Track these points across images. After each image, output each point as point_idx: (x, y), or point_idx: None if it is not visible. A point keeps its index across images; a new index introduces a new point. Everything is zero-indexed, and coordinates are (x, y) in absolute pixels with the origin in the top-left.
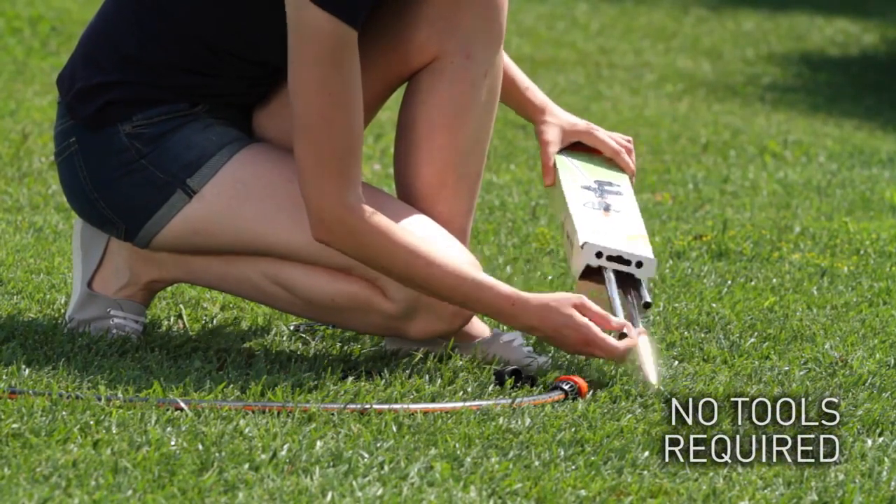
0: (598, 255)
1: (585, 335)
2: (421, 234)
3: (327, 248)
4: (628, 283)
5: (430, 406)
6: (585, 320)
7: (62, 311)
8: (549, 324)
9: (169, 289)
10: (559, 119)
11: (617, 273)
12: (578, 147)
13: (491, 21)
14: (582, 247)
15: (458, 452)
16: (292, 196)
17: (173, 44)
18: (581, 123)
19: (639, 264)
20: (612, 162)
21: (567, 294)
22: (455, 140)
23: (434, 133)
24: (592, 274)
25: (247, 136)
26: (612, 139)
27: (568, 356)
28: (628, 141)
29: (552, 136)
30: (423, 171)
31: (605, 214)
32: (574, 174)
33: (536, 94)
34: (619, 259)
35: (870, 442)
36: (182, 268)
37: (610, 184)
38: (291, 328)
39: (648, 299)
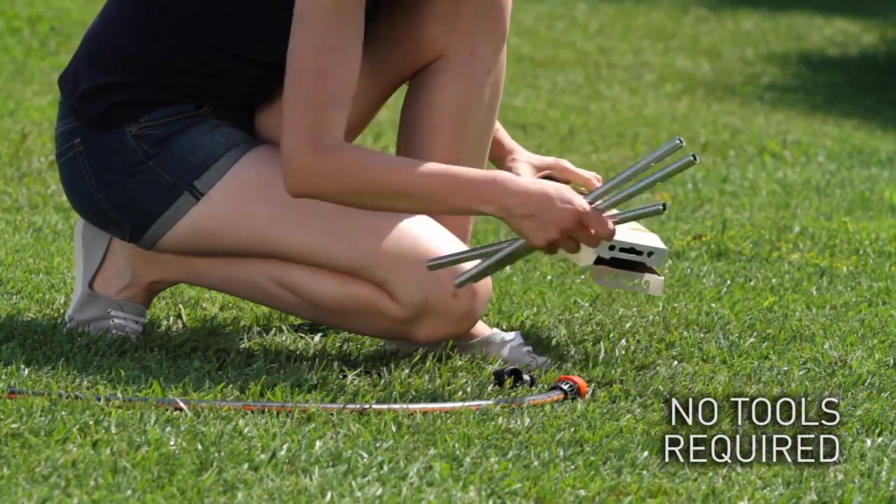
0: (611, 247)
1: (579, 211)
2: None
3: (334, 252)
4: (639, 269)
5: (430, 406)
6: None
7: (61, 311)
8: (539, 195)
9: (168, 289)
10: (528, 157)
11: (626, 262)
12: None
13: (495, 19)
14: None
15: (458, 452)
16: (300, 198)
17: (177, 45)
18: (550, 159)
19: (650, 254)
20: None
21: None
22: (458, 138)
23: (437, 131)
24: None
25: (253, 139)
26: (582, 171)
27: (568, 357)
28: (597, 177)
29: (523, 171)
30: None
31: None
32: None
33: (506, 136)
34: (630, 250)
35: (869, 442)
36: (185, 269)
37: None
38: (292, 328)
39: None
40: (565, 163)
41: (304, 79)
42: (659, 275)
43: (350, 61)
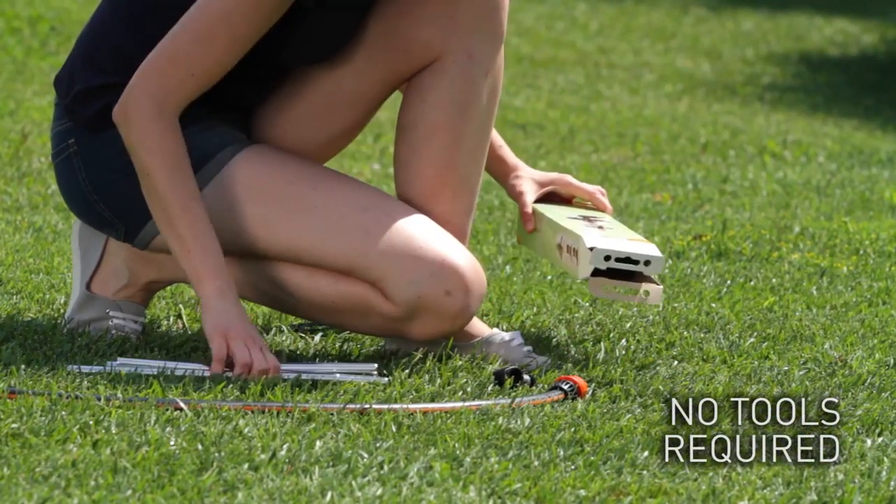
0: (607, 258)
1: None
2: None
3: (328, 252)
4: (636, 279)
5: (430, 406)
6: None
7: (61, 311)
8: (215, 335)
9: (168, 288)
10: (531, 173)
11: (623, 272)
12: (553, 200)
13: (492, 21)
14: (591, 250)
15: (458, 452)
16: (294, 197)
17: None
18: (553, 175)
19: (647, 262)
20: (589, 207)
21: None
22: (456, 140)
23: (435, 133)
24: (598, 275)
25: (247, 138)
26: (585, 184)
27: (568, 357)
28: (601, 191)
29: (526, 187)
30: (424, 171)
31: (601, 230)
32: (557, 213)
33: (509, 153)
34: (627, 260)
35: (869, 442)
36: (181, 269)
37: (595, 216)
38: (292, 327)
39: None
40: (569, 178)
41: (191, 35)
42: (658, 283)
43: (237, 48)
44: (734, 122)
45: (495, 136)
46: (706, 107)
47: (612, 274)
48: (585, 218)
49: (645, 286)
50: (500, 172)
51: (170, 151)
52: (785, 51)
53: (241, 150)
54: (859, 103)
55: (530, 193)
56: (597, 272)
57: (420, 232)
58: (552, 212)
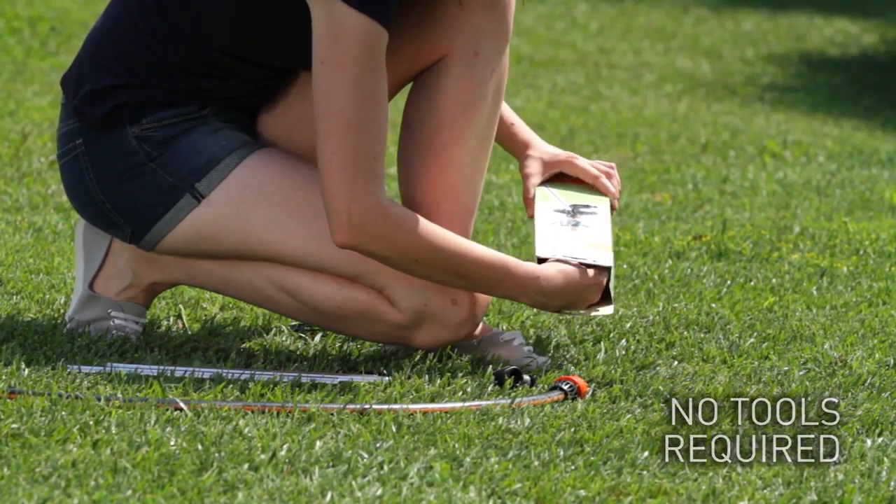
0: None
1: (601, 286)
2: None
3: (335, 257)
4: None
5: (430, 406)
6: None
7: (62, 311)
8: (573, 289)
9: (169, 289)
10: (541, 151)
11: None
12: (563, 178)
13: (499, 20)
14: (538, 262)
15: (458, 452)
16: (302, 202)
17: (183, 46)
18: (562, 154)
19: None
20: (595, 188)
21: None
22: (461, 138)
23: (440, 131)
24: None
25: (255, 141)
26: (592, 166)
27: (568, 357)
28: (609, 167)
29: (533, 169)
30: (428, 170)
31: (572, 230)
32: (552, 202)
33: (522, 129)
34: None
35: (869, 442)
36: (185, 271)
37: (587, 206)
38: (292, 328)
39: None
40: (575, 160)
41: (350, 132)
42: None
43: (385, 106)
44: (734, 122)
45: (508, 113)
46: (706, 107)
47: None
48: (573, 212)
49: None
50: (514, 149)
51: (420, 228)
52: (785, 51)
53: (249, 155)
54: (859, 103)
55: (536, 176)
56: None
57: None
58: (548, 202)
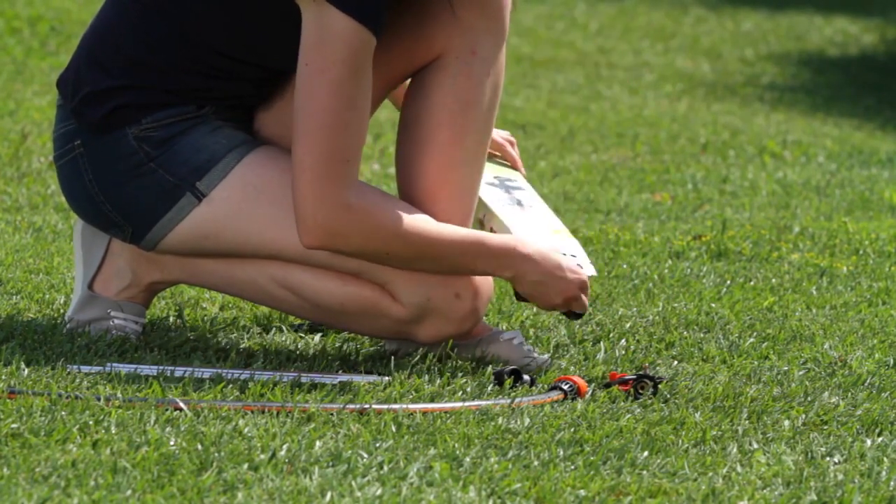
0: None
1: (583, 280)
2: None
3: (337, 255)
4: None
5: (430, 406)
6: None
7: (61, 311)
8: (551, 266)
9: (168, 289)
10: None
11: None
12: None
13: (496, 18)
14: None
15: (458, 452)
16: None
17: (180, 47)
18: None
19: (573, 257)
20: (499, 158)
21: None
22: (459, 137)
23: (438, 130)
24: None
25: (255, 139)
26: (494, 135)
27: (568, 357)
28: (511, 137)
29: None
30: (427, 169)
31: (522, 210)
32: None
33: None
34: None
35: (869, 442)
36: (186, 270)
37: (510, 179)
38: (292, 328)
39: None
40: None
41: (324, 133)
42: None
43: (366, 111)
44: (734, 122)
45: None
46: (706, 107)
47: None
48: (502, 183)
49: None
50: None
51: (387, 221)
52: (785, 51)
53: (249, 152)
54: (859, 103)
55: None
56: None
57: None
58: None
